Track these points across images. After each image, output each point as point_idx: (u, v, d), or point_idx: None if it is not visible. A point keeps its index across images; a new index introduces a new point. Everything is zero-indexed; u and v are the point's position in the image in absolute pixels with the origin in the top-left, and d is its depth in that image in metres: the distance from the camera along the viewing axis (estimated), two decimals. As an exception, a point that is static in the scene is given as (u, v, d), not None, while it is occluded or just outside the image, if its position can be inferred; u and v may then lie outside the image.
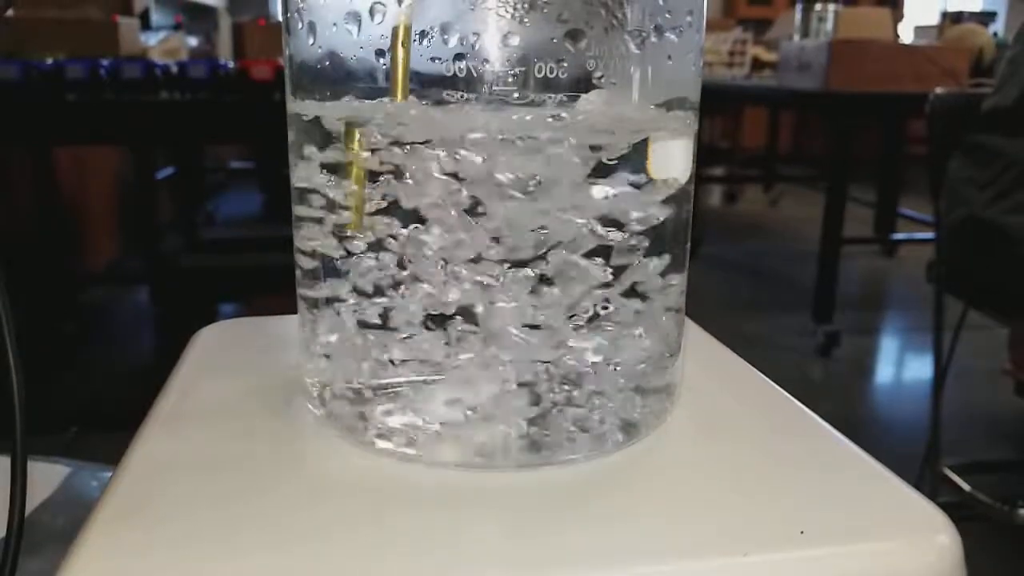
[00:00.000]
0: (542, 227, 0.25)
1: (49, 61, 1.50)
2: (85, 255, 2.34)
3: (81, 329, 2.05)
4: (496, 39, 0.24)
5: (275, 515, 0.24)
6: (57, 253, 2.08)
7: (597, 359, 0.27)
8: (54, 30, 1.69)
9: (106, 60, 1.52)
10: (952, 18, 3.05)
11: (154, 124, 1.59)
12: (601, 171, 0.25)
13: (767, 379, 0.34)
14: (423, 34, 0.24)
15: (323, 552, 0.22)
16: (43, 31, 1.68)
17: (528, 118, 0.24)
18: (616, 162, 0.25)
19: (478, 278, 0.25)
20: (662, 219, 0.27)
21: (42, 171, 2.04)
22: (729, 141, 4.36)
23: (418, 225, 0.25)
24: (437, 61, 0.24)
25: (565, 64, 0.24)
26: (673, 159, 0.27)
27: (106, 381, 1.73)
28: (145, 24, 2.32)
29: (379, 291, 0.26)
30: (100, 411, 1.44)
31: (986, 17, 3.20)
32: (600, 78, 0.25)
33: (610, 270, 0.26)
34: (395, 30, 0.24)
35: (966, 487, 1.20)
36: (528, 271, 0.25)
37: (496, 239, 0.25)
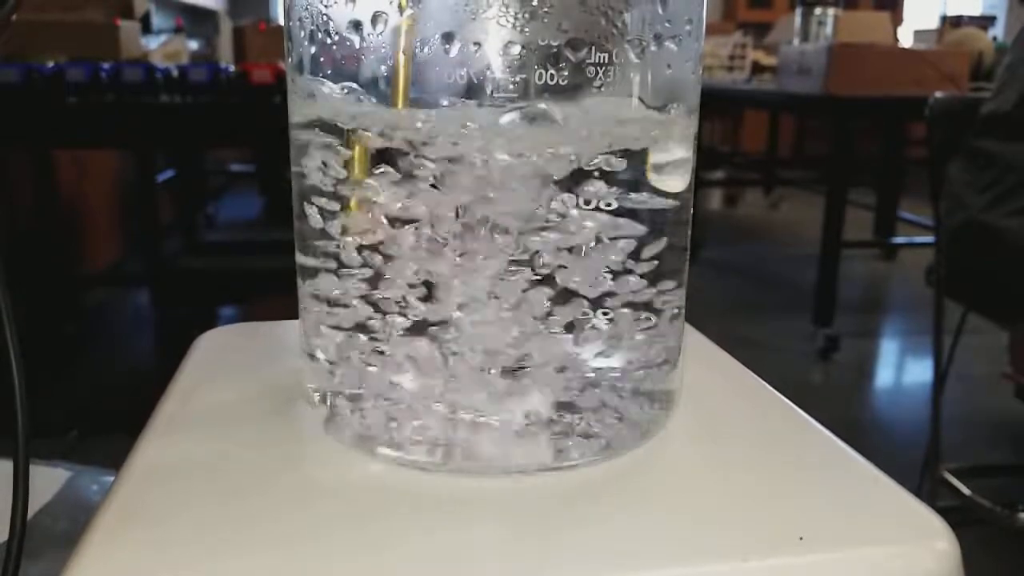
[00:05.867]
0: (542, 233, 0.25)
1: (50, 64, 1.50)
2: (86, 257, 2.34)
3: (81, 330, 2.05)
4: (497, 47, 0.24)
5: (277, 520, 0.24)
6: (58, 255, 2.09)
7: (597, 365, 0.27)
8: (55, 33, 1.70)
9: (107, 63, 1.53)
10: (951, 22, 3.05)
11: (155, 127, 1.60)
12: (600, 177, 0.25)
13: (766, 384, 0.34)
14: (424, 42, 0.24)
15: (325, 556, 0.22)
16: (44, 34, 1.68)
17: (527, 124, 0.24)
18: (615, 168, 0.25)
19: (479, 285, 0.25)
20: (662, 223, 0.27)
21: (43, 173, 2.05)
22: (729, 145, 4.36)
23: (419, 231, 0.25)
24: (438, 69, 0.24)
25: (565, 72, 0.24)
26: (673, 164, 0.28)
27: (106, 383, 1.73)
28: (146, 28, 2.32)
29: (380, 297, 0.26)
30: (100, 413, 1.44)
31: (986, 21, 3.19)
32: (600, 86, 0.25)
33: (610, 275, 0.26)
34: (397, 38, 0.24)
35: (966, 491, 1.20)
36: (528, 278, 0.25)
37: (496, 246, 0.25)
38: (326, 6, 0.25)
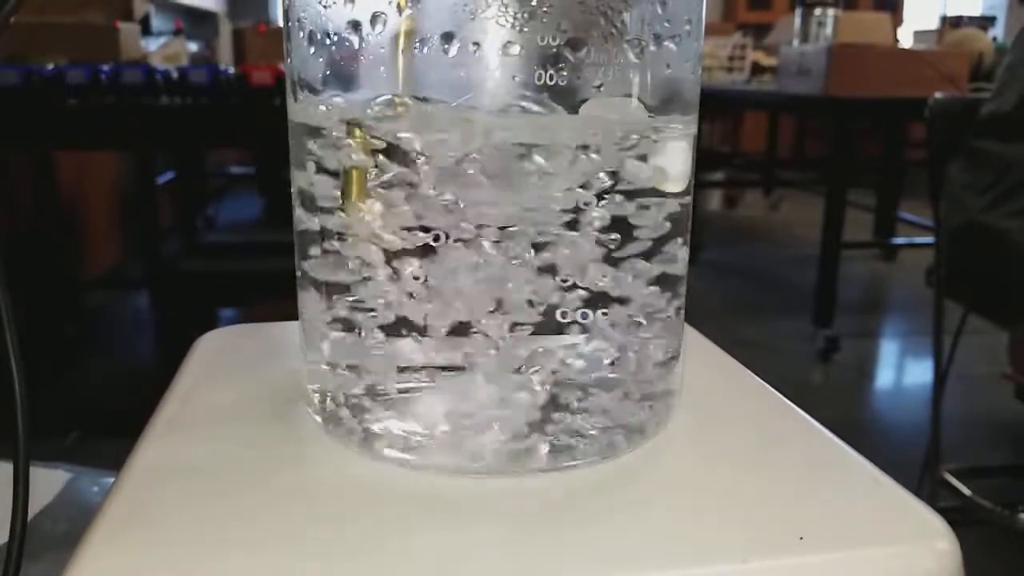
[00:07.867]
0: (542, 234, 0.25)
1: (50, 66, 1.50)
2: (86, 259, 2.34)
3: (81, 331, 2.05)
4: (496, 47, 0.24)
5: (277, 520, 0.24)
6: (58, 256, 2.09)
7: (597, 365, 0.27)
8: (55, 35, 1.70)
9: (107, 65, 1.52)
10: (951, 22, 3.05)
11: (155, 129, 1.59)
12: (601, 177, 0.25)
13: (767, 385, 0.34)
14: (423, 42, 0.24)
15: (325, 556, 0.22)
16: (44, 36, 1.68)
17: (527, 125, 0.24)
18: (615, 169, 0.25)
19: (477, 285, 0.25)
20: (662, 225, 0.27)
21: (43, 176, 2.05)
22: (729, 145, 4.35)
23: (417, 231, 0.25)
24: (437, 69, 0.24)
25: (564, 72, 0.24)
26: (672, 165, 0.28)
27: (106, 384, 1.73)
28: (146, 29, 2.32)
29: (379, 298, 0.26)
30: (100, 415, 1.44)
31: (985, 21, 3.19)
32: (599, 86, 0.25)
33: (610, 276, 0.26)
34: (396, 38, 0.24)
35: (967, 492, 1.19)
36: (528, 278, 0.25)
37: (495, 245, 0.25)
38: (325, 7, 0.25)
